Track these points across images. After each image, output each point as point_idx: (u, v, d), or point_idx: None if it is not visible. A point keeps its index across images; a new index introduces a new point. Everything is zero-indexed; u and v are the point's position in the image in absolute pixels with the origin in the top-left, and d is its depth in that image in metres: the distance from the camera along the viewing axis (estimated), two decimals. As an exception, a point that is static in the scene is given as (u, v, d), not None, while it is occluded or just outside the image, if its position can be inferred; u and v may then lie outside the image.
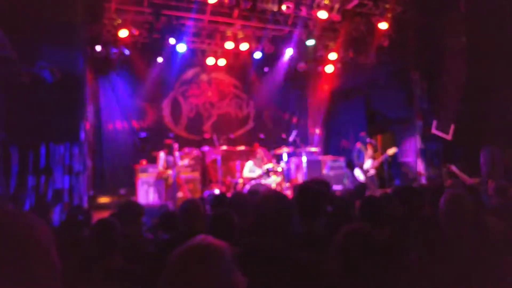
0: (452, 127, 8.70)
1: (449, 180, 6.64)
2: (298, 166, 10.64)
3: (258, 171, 9.03)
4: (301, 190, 2.82)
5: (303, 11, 8.99)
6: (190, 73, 11.64)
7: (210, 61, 10.97)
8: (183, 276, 1.20)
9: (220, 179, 9.45)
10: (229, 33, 10.01)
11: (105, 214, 4.57)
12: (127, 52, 9.54)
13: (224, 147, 10.14)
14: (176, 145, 8.40)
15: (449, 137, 8.81)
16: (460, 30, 8.45)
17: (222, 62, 11.05)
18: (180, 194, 8.70)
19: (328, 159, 10.83)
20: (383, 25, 9.33)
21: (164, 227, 3.91)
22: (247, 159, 9.63)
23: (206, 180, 10.25)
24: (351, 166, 9.85)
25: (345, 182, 10.30)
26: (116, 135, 10.60)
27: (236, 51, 10.62)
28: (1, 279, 0.84)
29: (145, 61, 10.41)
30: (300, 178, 10.30)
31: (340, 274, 1.92)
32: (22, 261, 0.87)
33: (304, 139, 12.62)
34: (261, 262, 1.93)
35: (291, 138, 10.17)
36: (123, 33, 8.92)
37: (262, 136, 10.48)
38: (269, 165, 9.10)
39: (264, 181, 8.75)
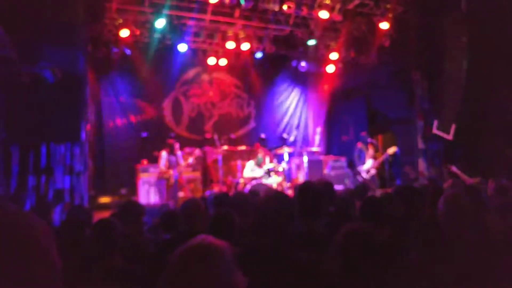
0: (453, 127, 8.69)
1: (450, 180, 6.63)
2: (299, 166, 10.64)
3: (259, 171, 9.03)
4: (301, 189, 2.82)
5: (304, 11, 9.00)
6: (191, 73, 11.62)
7: (211, 61, 10.95)
8: (184, 276, 1.20)
9: (221, 179, 9.45)
10: (230, 33, 10.00)
11: (106, 214, 4.58)
12: (128, 52, 9.55)
13: (225, 147, 10.12)
14: (177, 145, 8.40)
15: (450, 137, 8.80)
16: (461, 30, 8.44)
17: (223, 62, 11.05)
18: (181, 194, 8.71)
19: (329, 159, 10.83)
20: (384, 25, 9.33)
21: (165, 227, 3.90)
22: (248, 159, 9.63)
23: (207, 180, 10.24)
24: (352, 166, 9.85)
25: (346, 182, 10.29)
26: (117, 135, 10.59)
27: (237, 51, 10.60)
28: (1, 279, 0.84)
29: (146, 61, 10.40)
30: (301, 178, 10.30)
31: (340, 274, 1.92)
32: (22, 261, 0.87)
33: (305, 139, 12.65)
34: (261, 262, 1.93)
35: (292, 138, 10.16)
36: (124, 33, 8.92)
37: (263, 136, 10.46)
38: (270, 165, 9.09)
39: (265, 181, 8.74)
